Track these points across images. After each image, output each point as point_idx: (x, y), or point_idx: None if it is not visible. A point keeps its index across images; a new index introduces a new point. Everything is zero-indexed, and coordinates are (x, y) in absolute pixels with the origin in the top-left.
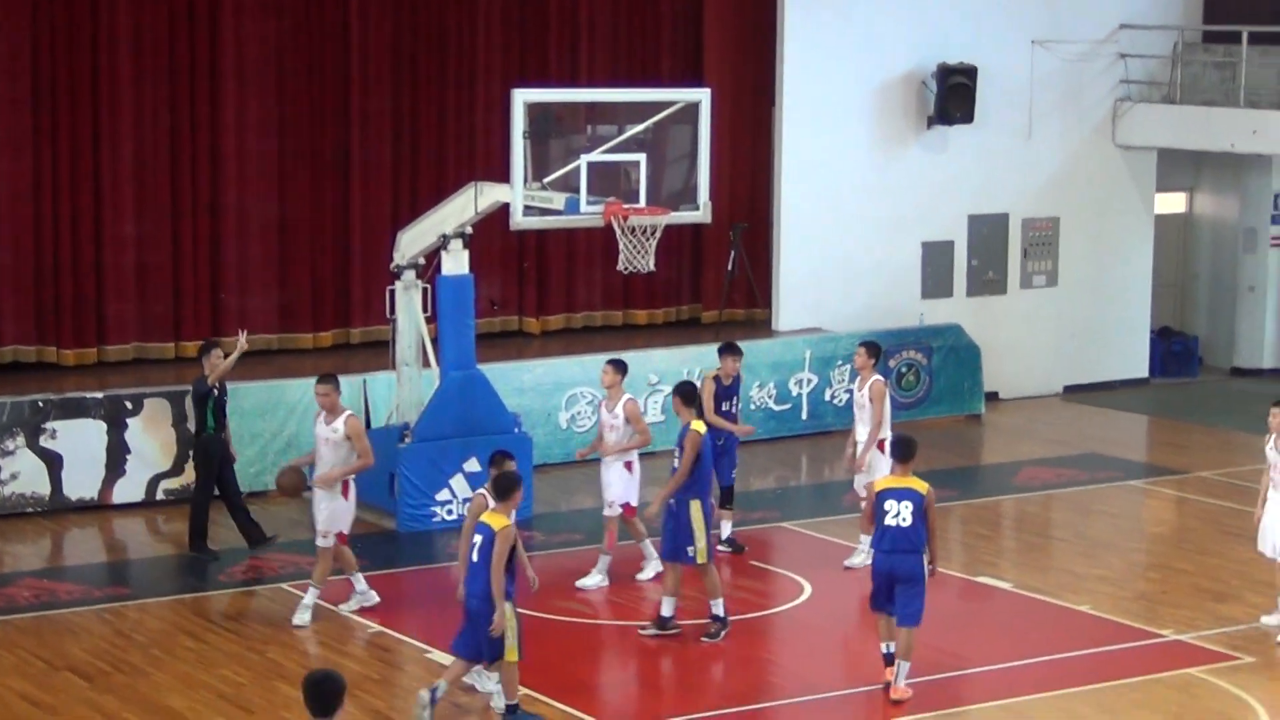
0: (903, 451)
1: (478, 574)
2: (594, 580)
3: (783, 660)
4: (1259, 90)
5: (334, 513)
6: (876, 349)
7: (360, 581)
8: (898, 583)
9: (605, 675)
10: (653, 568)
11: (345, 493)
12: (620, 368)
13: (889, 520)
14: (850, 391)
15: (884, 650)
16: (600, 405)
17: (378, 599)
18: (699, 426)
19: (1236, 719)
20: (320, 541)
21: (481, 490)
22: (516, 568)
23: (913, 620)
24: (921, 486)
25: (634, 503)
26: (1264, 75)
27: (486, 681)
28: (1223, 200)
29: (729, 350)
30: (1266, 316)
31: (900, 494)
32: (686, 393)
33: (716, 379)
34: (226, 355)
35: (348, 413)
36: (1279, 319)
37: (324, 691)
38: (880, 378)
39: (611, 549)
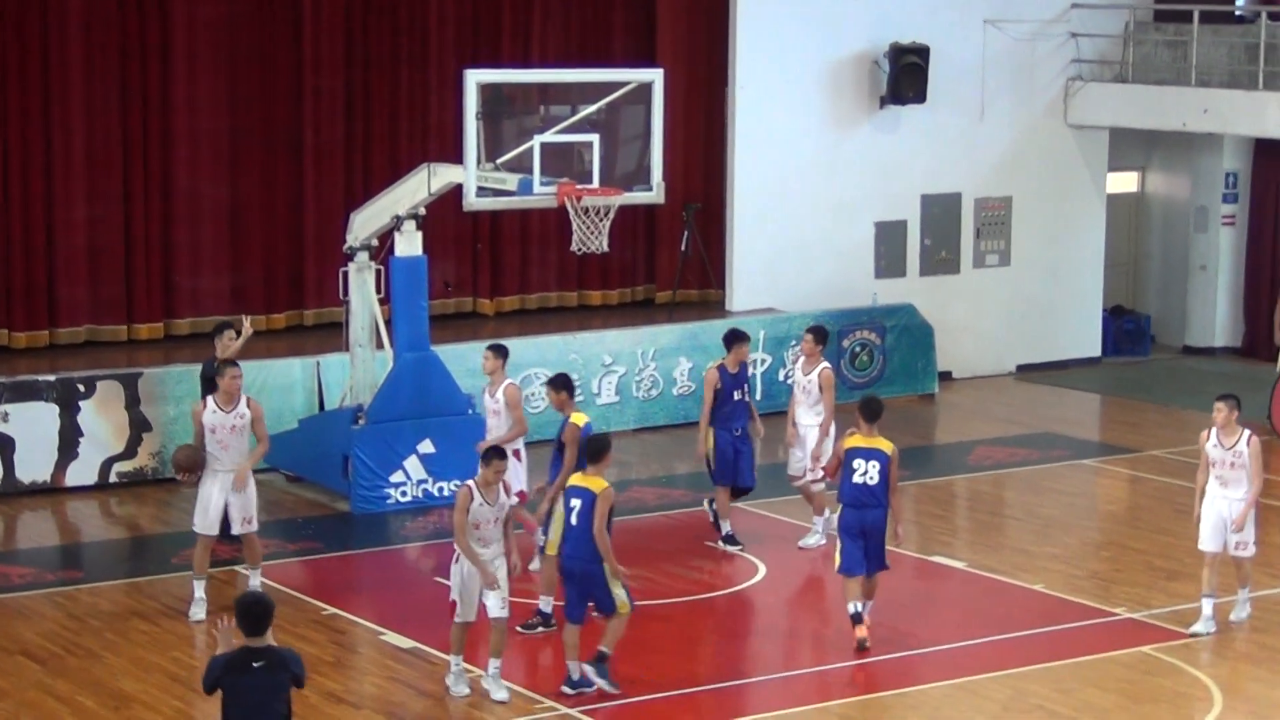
0: (871, 412)
1: (580, 538)
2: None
3: (739, 640)
4: (1210, 69)
5: (253, 497)
6: (825, 334)
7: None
8: (868, 534)
9: (559, 657)
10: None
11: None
12: (501, 353)
13: (856, 478)
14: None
15: (852, 610)
16: (483, 391)
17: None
18: (578, 419)
19: (1189, 697)
20: (250, 528)
21: (468, 483)
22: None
23: (883, 565)
24: (887, 447)
25: (525, 489)
26: (1215, 54)
27: (499, 690)
28: (1174, 179)
29: (736, 338)
30: (1218, 295)
31: (868, 453)
32: (563, 383)
33: (721, 369)
34: (239, 336)
35: (247, 396)
36: (1230, 298)
37: (255, 613)
38: (828, 364)
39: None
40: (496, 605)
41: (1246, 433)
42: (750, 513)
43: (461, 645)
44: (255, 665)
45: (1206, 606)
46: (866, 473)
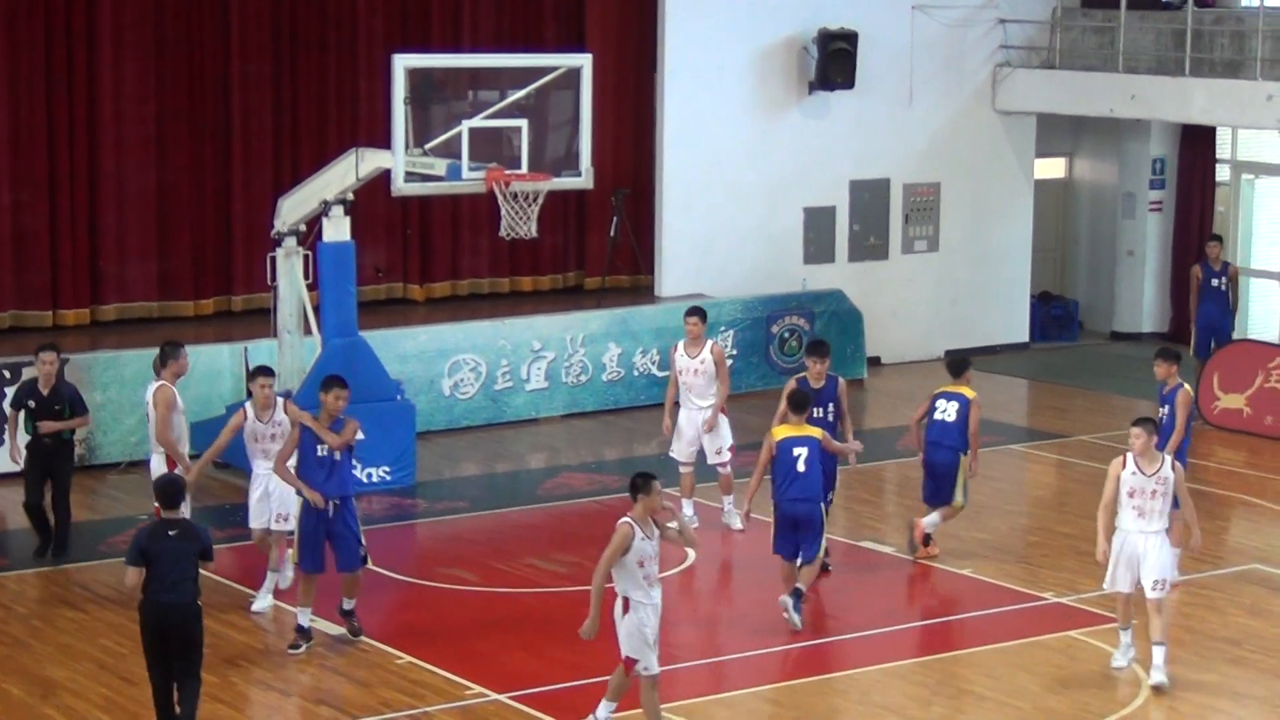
0: (953, 368)
1: (807, 482)
2: (264, 604)
3: (669, 625)
4: (1137, 55)
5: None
6: (705, 314)
7: None
8: (937, 472)
9: (490, 643)
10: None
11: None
12: (271, 375)
13: (936, 415)
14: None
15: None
16: (248, 415)
17: None
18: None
19: (1117, 680)
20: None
21: (627, 519)
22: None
23: (949, 501)
24: (970, 393)
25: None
26: (1142, 40)
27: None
28: (1102, 165)
29: (814, 350)
30: (1145, 281)
31: (951, 395)
32: (335, 382)
33: (802, 381)
34: (56, 358)
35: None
36: (1157, 283)
37: (171, 491)
38: (713, 340)
39: (282, 565)
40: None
41: (1168, 458)
42: (676, 497)
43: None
44: (170, 533)
45: (1125, 636)
46: (945, 410)
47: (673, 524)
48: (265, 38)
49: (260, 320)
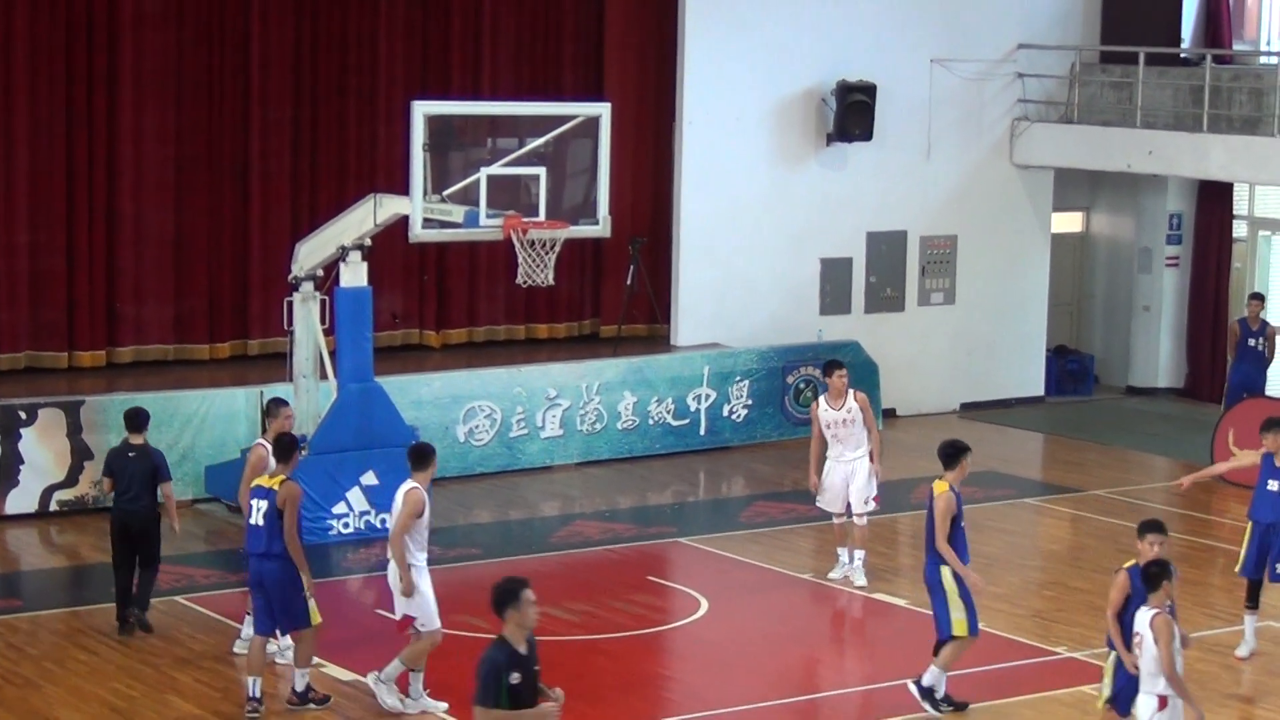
0: None
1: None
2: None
3: (679, 676)
4: (1155, 111)
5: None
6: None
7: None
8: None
9: None
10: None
11: None
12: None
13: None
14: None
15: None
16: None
17: None
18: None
19: None
20: None
21: (1165, 614)
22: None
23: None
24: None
25: None
26: (1160, 96)
27: None
28: (1119, 220)
29: (959, 452)
30: (1161, 336)
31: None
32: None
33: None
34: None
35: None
36: (1174, 338)
37: (138, 417)
38: (855, 389)
39: None
40: None
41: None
42: (692, 548)
43: None
44: (130, 455)
45: None
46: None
47: None
48: (285, 82)
49: (276, 365)
